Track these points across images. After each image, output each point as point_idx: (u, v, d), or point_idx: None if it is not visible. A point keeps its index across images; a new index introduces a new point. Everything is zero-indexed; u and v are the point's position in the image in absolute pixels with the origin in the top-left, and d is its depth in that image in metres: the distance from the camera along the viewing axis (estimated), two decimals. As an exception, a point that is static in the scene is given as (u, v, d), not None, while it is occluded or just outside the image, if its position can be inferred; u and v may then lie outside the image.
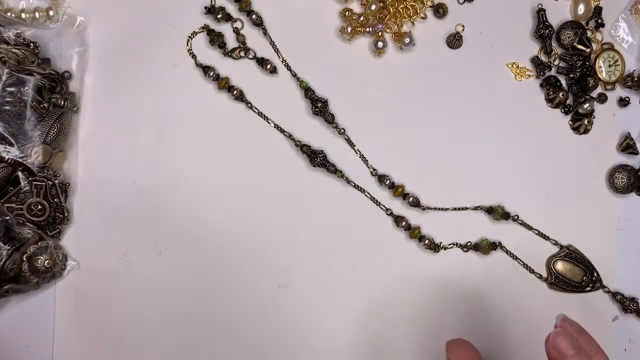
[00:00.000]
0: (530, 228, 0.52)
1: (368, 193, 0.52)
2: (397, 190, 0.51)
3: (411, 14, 0.52)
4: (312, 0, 0.53)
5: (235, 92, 0.52)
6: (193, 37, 0.52)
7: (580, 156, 0.53)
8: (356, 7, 0.53)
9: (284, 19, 0.53)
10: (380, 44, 0.52)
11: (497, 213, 0.51)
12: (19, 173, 0.49)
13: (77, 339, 0.50)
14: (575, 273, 0.51)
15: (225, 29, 0.53)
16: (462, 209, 0.52)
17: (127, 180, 0.51)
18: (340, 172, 0.52)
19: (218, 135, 0.52)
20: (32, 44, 0.50)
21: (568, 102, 0.53)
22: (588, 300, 0.52)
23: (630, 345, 0.52)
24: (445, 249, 0.52)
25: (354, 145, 0.52)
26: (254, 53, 0.53)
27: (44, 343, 0.50)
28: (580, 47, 0.52)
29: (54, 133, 0.49)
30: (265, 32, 0.53)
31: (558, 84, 0.53)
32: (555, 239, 0.52)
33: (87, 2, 0.52)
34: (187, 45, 0.52)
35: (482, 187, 0.52)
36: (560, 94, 0.52)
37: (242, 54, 0.53)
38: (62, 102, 0.50)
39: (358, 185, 0.52)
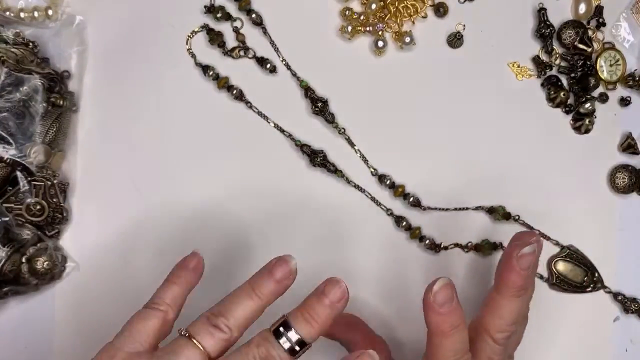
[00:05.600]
0: (531, 228, 0.52)
1: (368, 193, 0.52)
2: (397, 190, 0.51)
3: (412, 13, 0.52)
4: (312, 0, 0.53)
5: (234, 91, 0.52)
6: (192, 36, 0.52)
7: (581, 156, 0.53)
8: (356, 7, 0.53)
9: (284, 18, 0.52)
10: (380, 43, 0.52)
11: (499, 213, 0.51)
12: (18, 173, 0.48)
13: (77, 339, 0.50)
14: (576, 273, 0.51)
15: (225, 28, 0.53)
16: (463, 209, 0.52)
17: (127, 180, 0.51)
18: (340, 172, 0.51)
19: (218, 135, 0.52)
20: (31, 44, 0.50)
21: (569, 101, 0.53)
22: (589, 301, 0.52)
23: (631, 346, 0.52)
24: (446, 249, 0.51)
25: (354, 145, 0.52)
26: (254, 52, 0.52)
27: (43, 344, 0.50)
28: (581, 46, 0.52)
29: (53, 133, 0.49)
30: (265, 32, 0.53)
31: (559, 83, 0.53)
32: (556, 239, 0.52)
33: (86, 1, 0.52)
34: (187, 44, 0.52)
35: (483, 187, 0.52)
36: (562, 93, 0.52)
37: (241, 53, 0.52)
38: (61, 102, 0.50)
39: (358, 185, 0.52)
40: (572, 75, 0.53)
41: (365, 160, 0.52)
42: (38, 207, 0.49)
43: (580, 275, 0.51)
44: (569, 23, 0.52)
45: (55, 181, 0.49)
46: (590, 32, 0.53)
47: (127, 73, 0.52)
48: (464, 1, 0.53)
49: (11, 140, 0.48)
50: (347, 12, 0.52)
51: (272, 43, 0.52)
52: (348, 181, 0.52)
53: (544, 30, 0.52)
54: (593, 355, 0.51)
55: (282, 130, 0.52)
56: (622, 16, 0.53)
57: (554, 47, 0.53)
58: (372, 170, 0.52)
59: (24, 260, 0.48)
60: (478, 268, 0.52)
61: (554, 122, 0.53)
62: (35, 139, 0.49)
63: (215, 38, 0.52)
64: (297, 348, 0.36)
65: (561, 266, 0.51)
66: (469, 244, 0.51)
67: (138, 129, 0.52)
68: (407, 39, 0.51)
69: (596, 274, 0.51)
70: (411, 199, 0.51)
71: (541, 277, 0.51)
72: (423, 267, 0.52)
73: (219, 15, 0.52)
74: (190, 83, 0.52)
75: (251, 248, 0.51)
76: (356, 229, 0.51)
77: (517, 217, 0.52)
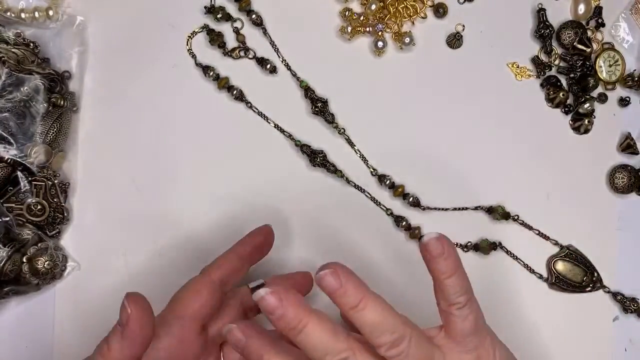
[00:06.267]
0: (530, 228, 0.52)
1: (368, 193, 0.52)
2: (397, 190, 0.51)
3: (411, 14, 0.52)
4: (312, 0, 0.53)
5: (235, 92, 0.52)
6: (193, 36, 0.52)
7: (580, 156, 0.53)
8: (356, 7, 0.53)
9: (284, 19, 0.53)
10: (380, 43, 0.52)
11: (498, 213, 0.51)
12: (19, 173, 0.49)
13: (77, 339, 0.50)
14: (575, 273, 0.51)
15: (225, 28, 0.53)
16: (463, 209, 0.52)
17: (127, 180, 0.51)
18: (340, 172, 0.51)
19: (218, 135, 0.52)
20: (31, 44, 0.50)
21: (568, 102, 0.53)
22: (588, 301, 0.52)
23: (630, 345, 0.52)
24: (445, 249, 0.51)
25: (354, 145, 0.52)
26: (254, 53, 0.53)
27: (44, 343, 0.50)
28: (580, 46, 0.52)
29: (53, 133, 0.49)
30: (265, 32, 0.53)
31: (558, 83, 0.53)
32: (556, 239, 0.52)
33: (87, 1, 0.52)
34: (187, 45, 0.52)
35: (483, 187, 0.52)
36: (561, 93, 0.52)
37: (242, 53, 0.53)
38: (62, 102, 0.50)
39: (358, 185, 0.52)
40: (571, 75, 0.53)
41: (365, 160, 0.52)
42: (39, 207, 0.49)
43: (579, 275, 0.51)
44: (568, 23, 0.53)
45: (55, 181, 0.49)
46: (589, 33, 0.53)
47: (128, 73, 0.52)
48: (464, 2, 0.53)
49: (12, 141, 0.48)
50: (347, 12, 0.52)
51: (272, 43, 0.53)
52: (348, 181, 0.52)
53: (543, 30, 0.52)
54: (592, 355, 0.51)
55: (282, 130, 0.52)
56: (621, 17, 0.53)
57: (554, 47, 0.53)
58: (372, 170, 0.52)
59: (24, 260, 0.48)
60: (477, 267, 0.52)
61: (554, 122, 0.53)
62: (36, 139, 0.49)
63: (216, 38, 0.52)
64: None
65: (560, 266, 0.51)
66: (469, 244, 0.51)
67: (138, 129, 0.52)
68: (407, 40, 0.52)
69: (595, 274, 0.51)
70: (411, 199, 0.51)
71: (540, 276, 0.52)
72: (422, 266, 0.52)
73: (219, 15, 0.52)
74: (190, 83, 0.52)
75: (251, 248, 0.51)
76: (356, 229, 0.52)
77: (516, 217, 0.52)
